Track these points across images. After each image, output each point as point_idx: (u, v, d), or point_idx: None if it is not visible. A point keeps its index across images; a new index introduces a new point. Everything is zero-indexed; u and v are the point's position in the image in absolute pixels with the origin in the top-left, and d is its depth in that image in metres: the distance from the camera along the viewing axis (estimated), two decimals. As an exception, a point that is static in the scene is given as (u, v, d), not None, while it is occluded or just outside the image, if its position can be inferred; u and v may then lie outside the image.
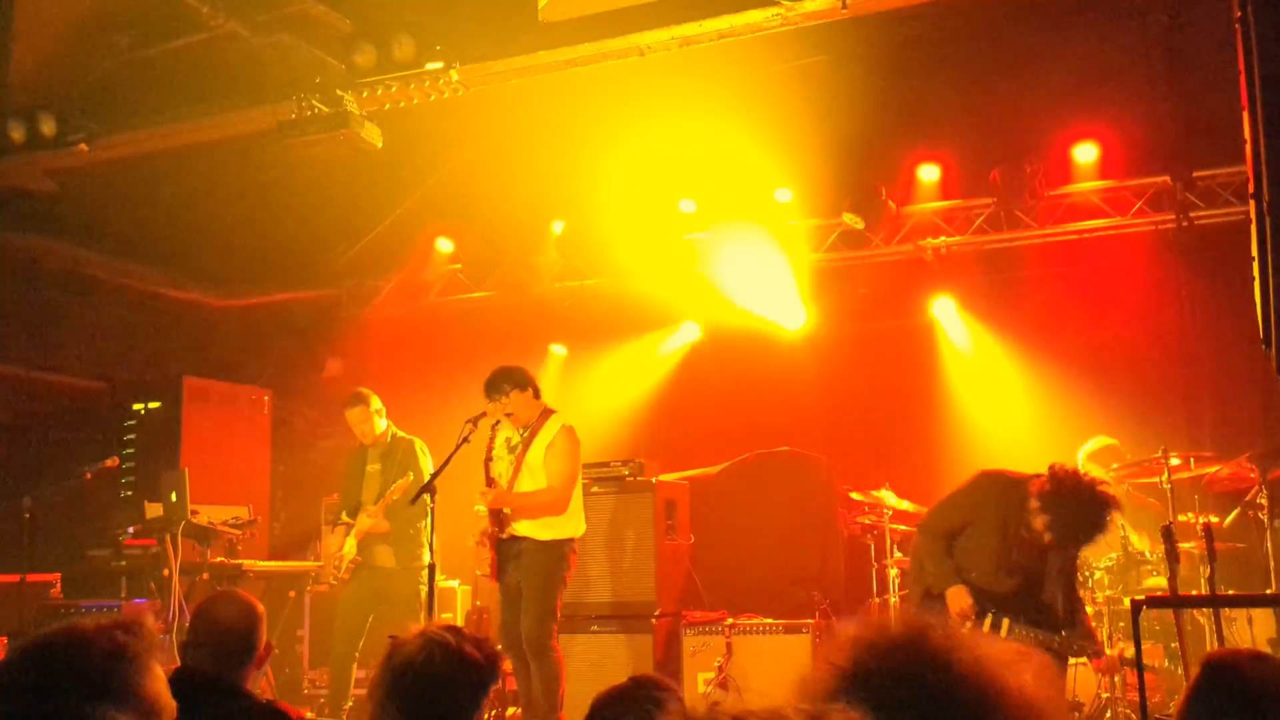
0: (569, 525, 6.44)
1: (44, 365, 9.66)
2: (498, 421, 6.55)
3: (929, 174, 8.94)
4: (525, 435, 6.53)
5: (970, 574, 5.28)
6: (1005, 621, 5.19)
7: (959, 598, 5.23)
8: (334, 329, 10.75)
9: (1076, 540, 5.10)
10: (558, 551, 6.37)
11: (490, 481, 6.52)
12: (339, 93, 6.56)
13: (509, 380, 6.51)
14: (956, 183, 8.91)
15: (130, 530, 7.85)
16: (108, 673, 2.07)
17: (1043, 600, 5.24)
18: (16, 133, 7.22)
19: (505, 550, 6.45)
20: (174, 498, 7.86)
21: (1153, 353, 8.48)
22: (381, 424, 7.31)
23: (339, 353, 10.65)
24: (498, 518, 6.45)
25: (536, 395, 6.59)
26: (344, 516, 7.26)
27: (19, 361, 9.49)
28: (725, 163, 9.08)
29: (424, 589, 6.60)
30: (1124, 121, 8.22)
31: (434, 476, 6.04)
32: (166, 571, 7.48)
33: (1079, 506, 4.95)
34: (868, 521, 8.11)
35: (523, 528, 6.41)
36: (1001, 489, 5.27)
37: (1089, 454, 7.26)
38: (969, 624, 5.15)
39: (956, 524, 5.38)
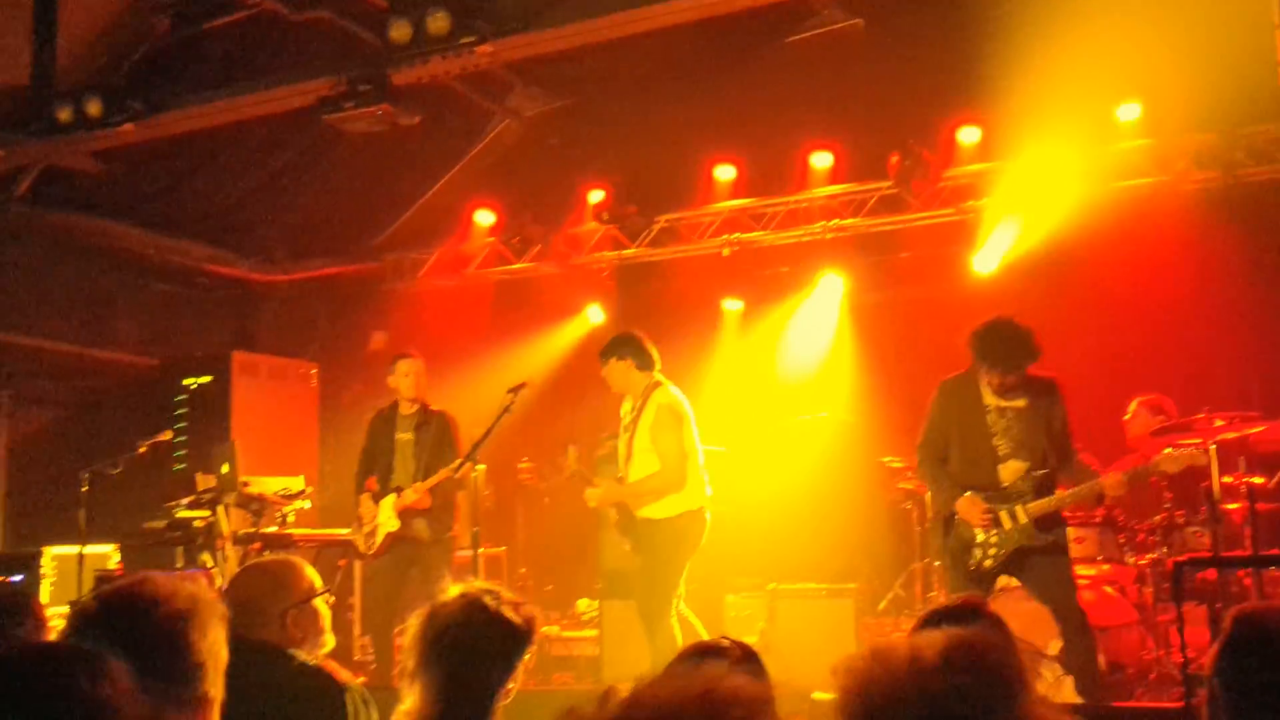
0: (684, 499, 6.19)
1: (97, 343, 9.88)
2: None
3: (969, 136, 8.85)
4: (634, 413, 6.33)
5: (973, 482, 5.41)
6: (1017, 509, 5.32)
7: (968, 507, 5.36)
8: (378, 302, 10.87)
9: (1019, 360, 5.27)
10: (671, 527, 6.18)
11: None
12: (376, 68, 6.62)
13: (608, 349, 6.38)
14: (998, 144, 8.81)
15: (184, 502, 8.03)
16: (166, 631, 2.17)
17: (1042, 469, 5.36)
18: (64, 114, 7.35)
19: (633, 532, 6.36)
20: (225, 469, 8.03)
21: (1199, 312, 8.37)
22: (420, 387, 7.30)
23: (383, 326, 10.77)
24: (620, 508, 6.36)
25: (641, 367, 6.31)
26: (371, 484, 7.21)
27: (73, 340, 9.72)
28: (762, 128, 9.07)
29: (465, 555, 6.68)
30: (1168, 78, 8.09)
31: (475, 448, 6.09)
32: (220, 542, 7.65)
33: (1001, 328, 5.31)
34: (908, 487, 8.13)
35: (646, 511, 6.25)
36: (955, 382, 5.54)
37: (1140, 401, 7.36)
38: (988, 527, 5.34)
39: (938, 441, 5.57)
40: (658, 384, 6.34)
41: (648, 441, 6.23)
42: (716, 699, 1.20)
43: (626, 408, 6.44)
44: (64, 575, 7.61)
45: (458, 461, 6.82)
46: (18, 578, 7.70)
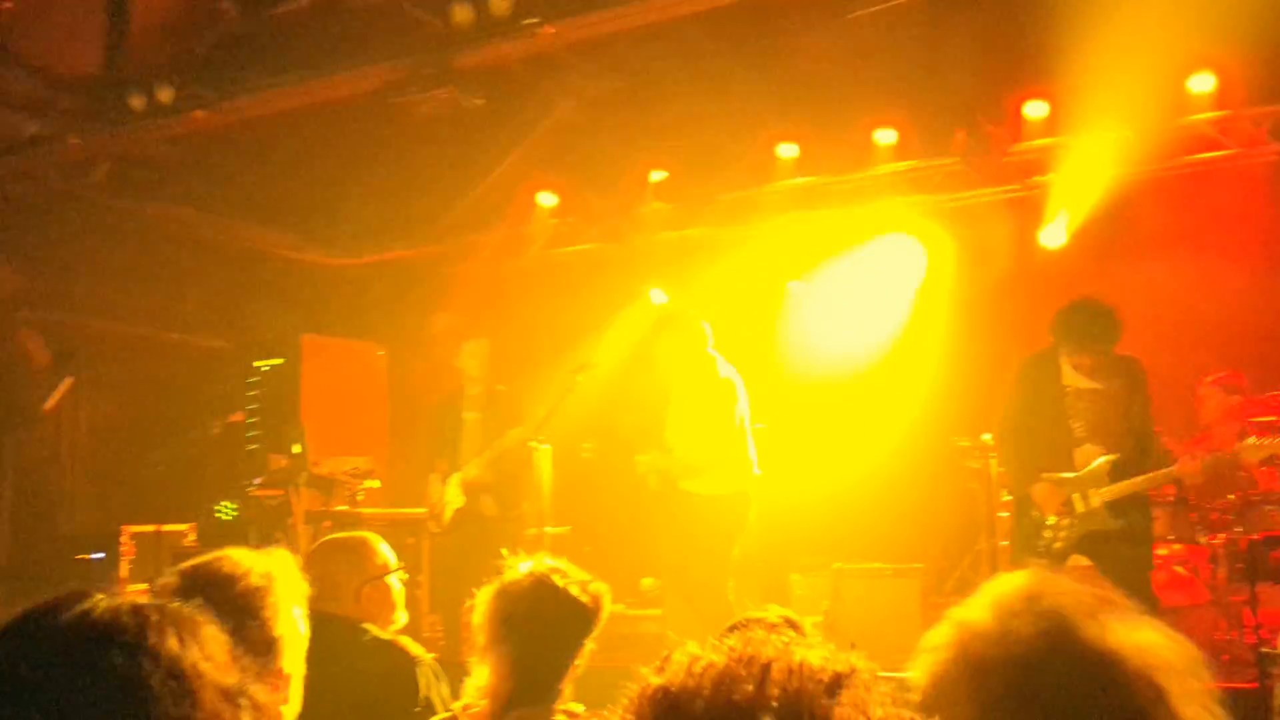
0: (731, 478, 6.23)
1: (170, 326, 10.11)
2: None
3: (1036, 110, 8.69)
4: (687, 389, 6.39)
5: (1049, 465, 5.37)
6: (1090, 493, 5.27)
7: (1045, 496, 5.34)
8: (441, 285, 10.98)
9: (1102, 341, 5.24)
10: (714, 504, 6.21)
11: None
12: (439, 52, 6.67)
13: (661, 326, 6.49)
14: (1065, 118, 8.64)
15: (256, 481, 8.20)
16: (244, 606, 2.22)
17: (1118, 454, 5.30)
18: (137, 102, 7.50)
19: (673, 504, 6.36)
20: (296, 450, 8.18)
21: (1272, 286, 8.19)
22: (486, 368, 7.41)
23: (448, 308, 10.88)
24: (662, 476, 6.37)
25: (693, 344, 6.38)
26: (441, 464, 7.36)
27: (148, 323, 9.95)
28: (824, 105, 9.00)
29: (532, 533, 6.76)
30: (1241, 48, 7.88)
31: (539, 426, 6.16)
32: (291, 520, 7.81)
33: (1083, 307, 5.31)
34: (976, 467, 8.05)
35: (689, 484, 6.29)
36: (1035, 360, 5.52)
37: (1212, 380, 7.23)
38: (1060, 515, 5.31)
39: (1017, 418, 5.53)
40: (711, 360, 6.36)
41: (699, 417, 6.28)
42: (783, 671, 0.99)
43: (679, 383, 6.44)
44: (142, 553, 7.82)
45: (511, 431, 6.86)
46: (99, 555, 7.93)
